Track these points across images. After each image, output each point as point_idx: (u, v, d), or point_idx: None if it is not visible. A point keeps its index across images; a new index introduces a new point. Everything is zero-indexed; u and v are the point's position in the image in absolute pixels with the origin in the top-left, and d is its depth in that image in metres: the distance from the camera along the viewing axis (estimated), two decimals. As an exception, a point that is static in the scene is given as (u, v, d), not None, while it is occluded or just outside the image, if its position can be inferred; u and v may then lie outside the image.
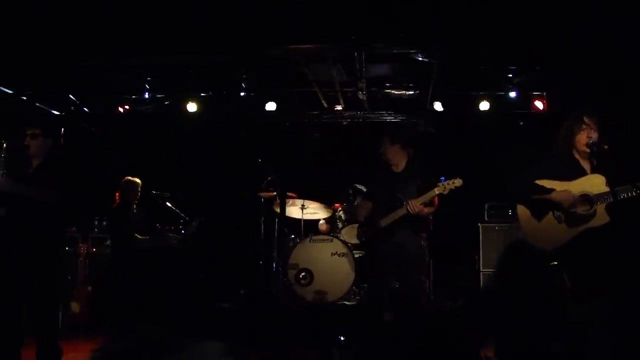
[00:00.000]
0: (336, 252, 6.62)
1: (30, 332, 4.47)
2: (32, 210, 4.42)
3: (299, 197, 7.11)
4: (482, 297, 6.99)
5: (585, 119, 4.22)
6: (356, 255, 6.69)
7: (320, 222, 7.59)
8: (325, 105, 7.77)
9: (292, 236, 7.17)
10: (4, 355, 4.30)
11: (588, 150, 4.19)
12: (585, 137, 4.20)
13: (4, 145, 4.44)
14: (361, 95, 7.18)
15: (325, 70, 6.77)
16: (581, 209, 4.12)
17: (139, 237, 6.60)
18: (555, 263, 4.44)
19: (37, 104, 7.31)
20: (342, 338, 3.14)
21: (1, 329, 4.32)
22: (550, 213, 4.21)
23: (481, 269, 7.29)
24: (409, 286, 5.34)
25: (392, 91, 7.48)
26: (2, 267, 4.35)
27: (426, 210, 5.31)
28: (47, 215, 4.46)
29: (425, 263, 6.53)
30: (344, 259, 6.59)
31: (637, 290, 4.29)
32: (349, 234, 6.99)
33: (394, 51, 6.36)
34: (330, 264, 6.56)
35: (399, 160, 5.45)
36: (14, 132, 4.60)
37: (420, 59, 6.46)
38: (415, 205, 5.20)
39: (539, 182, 4.23)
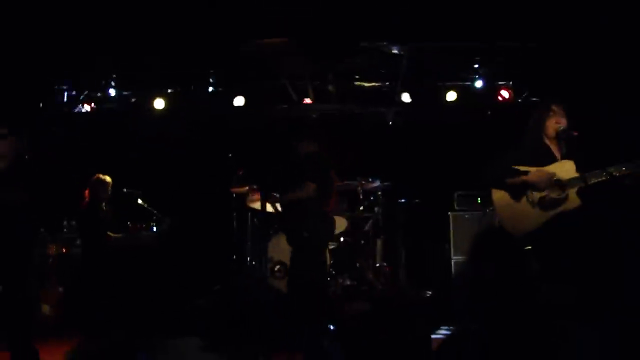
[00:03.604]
0: (310, 244, 6.62)
1: (2, 335, 4.39)
2: (1, 212, 4.33)
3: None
4: (454, 285, 7.11)
5: (553, 107, 4.37)
6: (330, 247, 6.71)
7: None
8: (295, 98, 7.78)
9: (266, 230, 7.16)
10: None
11: (557, 136, 4.33)
12: (554, 123, 4.34)
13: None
14: (330, 88, 7.22)
15: (295, 64, 6.78)
16: (554, 194, 4.24)
17: (112, 235, 6.52)
18: (529, 247, 4.55)
19: (2, 103, 7.15)
20: (331, 327, 3.17)
21: None
22: (525, 198, 4.32)
23: (452, 257, 7.39)
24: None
25: (362, 83, 7.54)
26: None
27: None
28: (17, 217, 4.38)
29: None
30: (318, 252, 6.60)
31: (605, 272, 4.43)
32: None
33: (363, 44, 6.41)
34: (305, 257, 6.55)
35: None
36: None
37: (389, 51, 6.52)
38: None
39: (514, 167, 4.35)
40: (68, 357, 4.53)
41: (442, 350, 2.89)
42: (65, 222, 7.49)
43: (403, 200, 7.60)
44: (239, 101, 7.67)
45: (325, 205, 5.55)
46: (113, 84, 7.75)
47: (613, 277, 4.43)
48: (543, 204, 4.26)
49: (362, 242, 7.13)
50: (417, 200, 7.58)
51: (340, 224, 7.09)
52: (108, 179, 6.67)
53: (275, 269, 6.62)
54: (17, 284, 4.39)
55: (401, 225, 7.58)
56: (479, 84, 7.43)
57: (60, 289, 6.66)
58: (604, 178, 4.14)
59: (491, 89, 7.53)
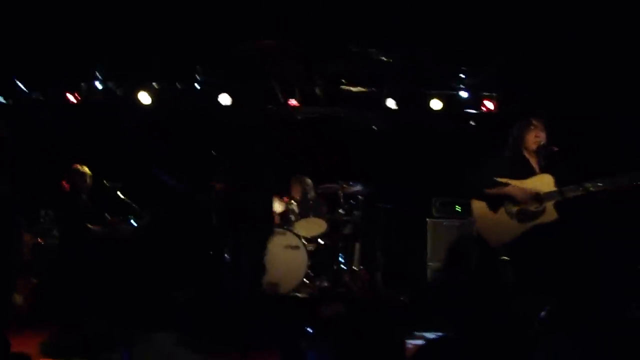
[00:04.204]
0: (289, 244, 6.65)
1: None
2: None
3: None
4: (429, 290, 7.18)
5: (533, 121, 4.50)
6: (309, 249, 6.74)
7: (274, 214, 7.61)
8: (282, 99, 7.80)
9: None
10: None
11: (537, 150, 4.43)
12: (533, 137, 4.46)
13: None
14: (318, 91, 7.26)
15: (284, 65, 6.81)
16: (532, 206, 4.33)
17: (90, 226, 6.49)
18: (505, 258, 4.63)
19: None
20: (309, 330, 3.19)
21: None
22: (503, 209, 4.41)
23: (428, 263, 7.45)
24: None
25: (349, 87, 7.58)
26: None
27: None
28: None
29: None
30: (296, 252, 6.62)
31: (580, 285, 4.52)
32: (304, 228, 7.04)
33: (352, 49, 6.45)
34: (283, 257, 6.57)
35: None
36: None
37: (377, 57, 6.57)
38: None
39: (495, 179, 4.45)
40: (42, 348, 4.53)
41: (419, 356, 2.93)
42: (42, 212, 7.43)
43: (383, 205, 7.64)
44: (225, 99, 7.67)
45: None
46: (99, 75, 7.70)
47: (587, 290, 4.52)
48: (520, 216, 4.36)
49: (341, 244, 7.17)
50: (392, 206, 7.63)
51: (320, 226, 7.14)
52: (86, 169, 6.63)
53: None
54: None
55: (380, 229, 7.61)
56: (464, 94, 7.51)
57: (34, 280, 6.59)
58: (580, 192, 4.24)
59: (476, 100, 7.61)
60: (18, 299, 6.26)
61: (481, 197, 4.51)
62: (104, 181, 6.80)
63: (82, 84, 7.78)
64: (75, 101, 7.83)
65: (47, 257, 6.80)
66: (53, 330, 5.04)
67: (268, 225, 6.28)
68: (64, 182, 6.58)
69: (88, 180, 6.63)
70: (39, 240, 6.99)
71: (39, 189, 6.21)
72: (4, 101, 7.50)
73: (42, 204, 7.27)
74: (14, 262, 4.74)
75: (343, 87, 7.61)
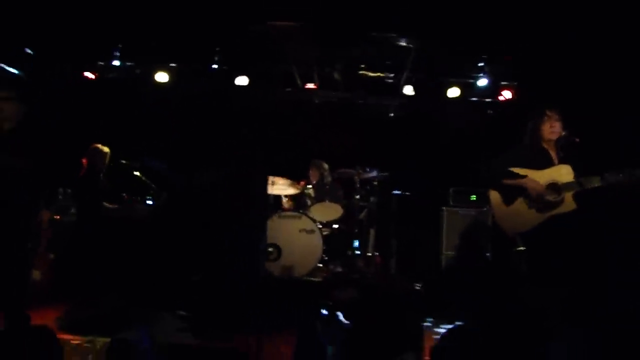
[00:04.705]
0: (304, 228, 6.66)
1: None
2: (1, 175, 4.35)
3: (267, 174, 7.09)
4: (443, 278, 7.20)
5: (547, 112, 4.48)
6: (324, 233, 6.76)
7: (284, 199, 7.64)
8: (299, 83, 7.79)
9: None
10: None
11: (555, 141, 4.42)
12: (548, 127, 4.46)
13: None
14: (336, 76, 7.24)
15: (302, 49, 6.79)
16: (550, 196, 4.32)
17: (108, 205, 6.53)
18: (521, 248, 4.63)
19: (5, 67, 7.14)
20: (324, 312, 3.22)
21: None
22: (521, 198, 4.40)
23: (443, 252, 7.45)
24: None
25: (367, 73, 7.55)
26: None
27: None
28: (17, 182, 4.40)
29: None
30: (311, 236, 6.63)
31: (594, 277, 4.52)
32: (319, 212, 7.05)
33: (371, 34, 6.42)
34: (298, 241, 6.60)
35: None
36: None
37: (397, 43, 6.54)
38: None
39: (512, 169, 4.43)
40: (58, 324, 4.59)
41: (439, 346, 2.95)
42: (60, 190, 7.49)
43: (398, 192, 7.64)
44: (242, 81, 7.68)
45: None
46: (117, 54, 7.72)
47: (601, 282, 4.52)
48: (539, 205, 4.34)
49: (356, 230, 7.18)
50: (407, 193, 7.62)
51: (335, 211, 7.15)
52: (106, 149, 6.68)
53: (269, 250, 6.64)
54: (14, 249, 4.41)
55: (395, 216, 7.62)
56: (482, 82, 7.47)
57: (51, 256, 6.67)
58: (599, 184, 4.23)
59: (494, 88, 7.57)
60: (36, 274, 6.34)
61: (498, 187, 4.50)
62: (122, 160, 6.84)
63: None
64: (93, 77, 7.86)
65: (64, 234, 6.87)
66: (69, 307, 5.12)
67: (261, 208, 6.28)
68: (84, 161, 6.63)
69: (106, 159, 6.67)
70: (57, 217, 7.07)
71: (57, 166, 6.24)
72: (18, 72, 7.53)
73: (61, 181, 7.34)
74: (32, 239, 4.82)
75: (361, 72, 7.59)
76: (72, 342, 4.04)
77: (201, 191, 6.65)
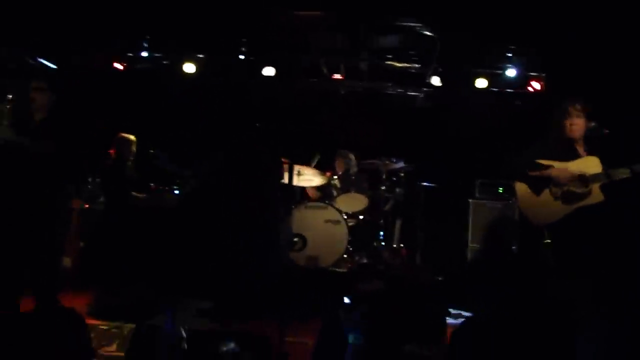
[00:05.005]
0: (330, 219, 6.66)
1: (28, 285, 4.52)
2: (34, 163, 4.43)
3: (293, 163, 7.10)
4: (469, 270, 7.16)
5: (569, 108, 4.42)
6: (350, 224, 6.76)
7: (310, 189, 7.65)
8: (326, 72, 7.79)
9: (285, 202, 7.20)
10: (3, 306, 4.35)
11: (587, 134, 4.38)
12: (568, 125, 4.41)
13: (10, 97, 4.43)
14: (363, 66, 7.23)
15: (328, 39, 6.79)
16: (577, 188, 4.28)
17: (137, 195, 6.62)
18: (548, 241, 4.59)
19: (39, 59, 7.27)
20: (347, 300, 3.23)
21: (2, 280, 4.37)
22: (547, 190, 4.37)
23: (469, 245, 7.40)
24: None
25: (394, 63, 7.52)
26: (5, 218, 4.38)
27: None
28: (49, 169, 4.48)
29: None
30: (337, 227, 6.62)
31: (622, 269, 4.46)
32: (345, 203, 7.05)
33: (398, 23, 6.40)
34: (324, 231, 6.60)
35: None
36: (19, 85, 4.58)
37: (423, 32, 6.51)
38: None
39: (539, 161, 4.40)
40: (87, 309, 4.67)
41: (457, 334, 2.95)
42: (89, 179, 7.61)
43: (425, 183, 7.61)
44: (269, 71, 7.71)
45: None
46: (146, 45, 7.81)
47: (629, 274, 4.46)
48: (566, 197, 4.31)
49: (381, 221, 7.17)
50: (434, 185, 7.59)
51: (361, 201, 7.15)
52: (132, 138, 6.75)
53: (294, 240, 6.66)
54: (46, 235, 4.50)
55: (421, 208, 7.59)
56: (511, 72, 7.39)
57: (81, 243, 6.78)
58: (627, 175, 4.18)
59: (523, 79, 7.48)
60: (66, 261, 6.46)
61: (524, 179, 4.47)
62: (150, 150, 6.91)
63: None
64: (121, 68, 7.96)
65: (93, 222, 6.98)
66: (97, 293, 5.22)
67: (287, 198, 6.31)
68: (111, 150, 6.72)
69: (133, 148, 6.75)
70: (86, 205, 7.18)
71: (87, 154, 6.34)
72: (53, 66, 7.66)
73: (90, 170, 7.45)
74: (63, 226, 4.91)
75: (388, 62, 7.56)
76: (100, 327, 4.13)
77: (221, 182, 6.71)
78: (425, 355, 3.14)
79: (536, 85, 7.45)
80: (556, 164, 4.39)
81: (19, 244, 4.41)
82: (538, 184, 4.41)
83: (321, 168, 7.29)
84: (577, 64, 6.58)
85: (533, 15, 6.10)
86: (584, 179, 4.29)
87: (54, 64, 7.61)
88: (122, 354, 3.75)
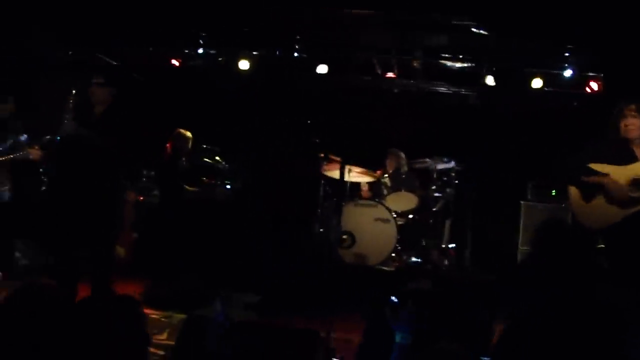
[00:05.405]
0: (379, 217, 6.65)
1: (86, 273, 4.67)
2: (94, 155, 4.58)
3: (344, 162, 7.11)
4: (518, 272, 7.04)
5: (625, 109, 4.30)
6: (399, 223, 6.74)
7: (363, 186, 7.64)
8: (379, 71, 7.78)
9: (335, 199, 7.22)
10: (61, 293, 4.50)
11: (631, 136, 4.26)
12: (623, 125, 4.28)
13: (73, 92, 4.60)
14: (416, 65, 7.20)
15: (382, 37, 6.79)
16: (633, 193, 4.17)
17: (189, 188, 6.76)
18: (602, 246, 4.48)
19: (99, 55, 7.49)
20: (394, 299, 3.24)
21: (61, 268, 4.54)
22: (602, 194, 4.26)
23: (520, 247, 7.29)
24: None
25: (447, 62, 7.47)
26: (65, 208, 4.54)
27: None
28: (107, 161, 4.62)
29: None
30: (386, 225, 6.61)
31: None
32: (395, 201, 7.04)
33: (452, 22, 6.34)
34: (373, 229, 6.60)
35: None
36: (81, 80, 4.75)
37: (477, 31, 6.44)
38: None
39: (593, 165, 4.30)
40: (142, 298, 4.80)
41: (503, 336, 2.93)
42: (144, 172, 7.80)
43: (476, 184, 7.53)
44: (322, 69, 7.75)
45: None
46: (201, 42, 7.95)
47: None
48: (621, 202, 4.20)
49: (431, 221, 7.13)
50: (485, 186, 7.51)
51: (411, 200, 7.13)
52: (189, 134, 6.88)
53: (343, 237, 6.66)
54: (104, 226, 4.65)
55: (471, 208, 7.52)
56: (567, 73, 7.24)
57: (135, 235, 6.96)
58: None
59: (580, 80, 7.32)
60: (121, 251, 6.65)
61: (575, 184, 4.37)
62: (203, 145, 7.05)
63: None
64: (177, 64, 8.13)
65: (146, 214, 7.16)
66: (149, 283, 5.36)
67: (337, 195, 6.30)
68: (168, 145, 6.87)
69: (189, 144, 6.89)
70: (140, 198, 7.37)
71: (144, 148, 6.51)
72: (113, 62, 7.88)
73: (146, 163, 7.64)
74: (118, 217, 5.06)
75: (442, 61, 7.50)
76: (151, 316, 4.25)
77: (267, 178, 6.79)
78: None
79: (594, 85, 7.28)
80: (612, 168, 4.26)
81: (77, 234, 4.57)
82: (592, 189, 4.31)
83: (371, 166, 7.29)
84: (636, 64, 6.40)
85: (591, 14, 5.96)
86: (639, 183, 4.18)
87: (114, 60, 7.84)
88: (172, 342, 3.85)
